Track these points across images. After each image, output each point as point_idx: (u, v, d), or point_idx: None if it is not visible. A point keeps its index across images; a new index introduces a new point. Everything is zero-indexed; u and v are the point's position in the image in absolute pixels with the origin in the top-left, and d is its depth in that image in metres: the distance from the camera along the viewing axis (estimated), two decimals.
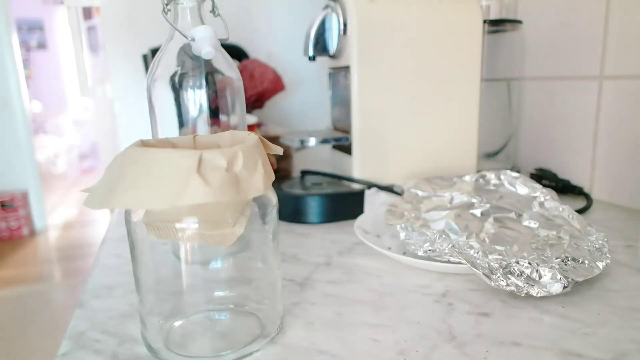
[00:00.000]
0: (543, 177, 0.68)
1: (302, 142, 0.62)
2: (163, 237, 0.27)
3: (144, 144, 0.30)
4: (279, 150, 0.32)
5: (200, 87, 0.43)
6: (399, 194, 0.57)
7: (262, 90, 0.78)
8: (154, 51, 0.77)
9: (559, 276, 0.36)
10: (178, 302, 0.34)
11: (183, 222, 0.27)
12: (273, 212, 0.32)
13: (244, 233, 0.28)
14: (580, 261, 0.39)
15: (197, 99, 0.43)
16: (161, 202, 0.23)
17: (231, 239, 0.27)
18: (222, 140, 0.32)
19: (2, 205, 2.80)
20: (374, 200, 0.57)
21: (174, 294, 0.34)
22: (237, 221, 0.28)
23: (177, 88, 0.42)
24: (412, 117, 0.62)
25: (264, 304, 0.34)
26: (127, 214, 0.30)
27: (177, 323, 0.33)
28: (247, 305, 0.35)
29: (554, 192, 0.51)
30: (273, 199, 0.32)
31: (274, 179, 0.29)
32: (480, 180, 0.56)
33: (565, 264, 0.38)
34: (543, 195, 0.50)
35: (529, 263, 0.37)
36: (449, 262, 0.40)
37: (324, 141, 0.63)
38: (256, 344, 0.31)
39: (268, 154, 0.31)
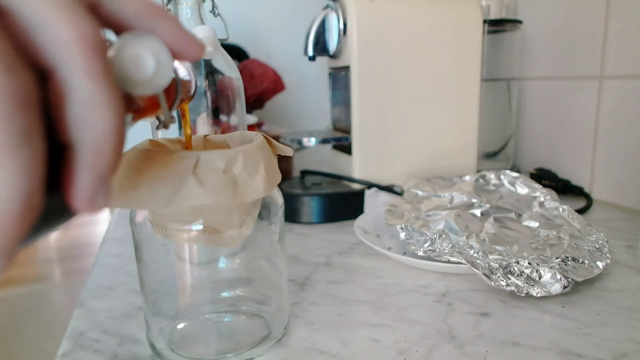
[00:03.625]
0: (543, 177, 0.68)
1: (302, 142, 0.62)
2: (169, 237, 0.27)
3: (152, 143, 0.30)
4: (289, 151, 0.31)
5: (200, 87, 0.43)
6: (399, 194, 0.57)
7: (262, 90, 0.78)
8: None
9: (559, 276, 0.36)
10: (183, 303, 0.34)
11: (188, 222, 0.27)
12: (279, 213, 0.32)
13: (249, 233, 0.28)
14: (580, 261, 0.39)
15: (197, 99, 0.43)
16: (157, 203, 0.23)
17: (238, 240, 0.27)
18: (232, 141, 0.32)
19: None
20: (374, 200, 0.57)
21: (178, 295, 0.34)
22: (243, 222, 0.28)
23: None
24: (412, 117, 0.62)
25: (270, 305, 0.34)
26: (132, 215, 0.30)
27: (182, 324, 0.33)
28: (252, 306, 0.35)
29: (554, 192, 0.51)
30: (279, 199, 0.32)
31: (279, 180, 0.29)
32: (480, 180, 0.56)
33: (565, 264, 0.38)
34: (543, 195, 0.50)
35: (529, 263, 0.37)
36: (449, 262, 0.40)
37: (324, 141, 0.63)
38: (262, 346, 0.31)
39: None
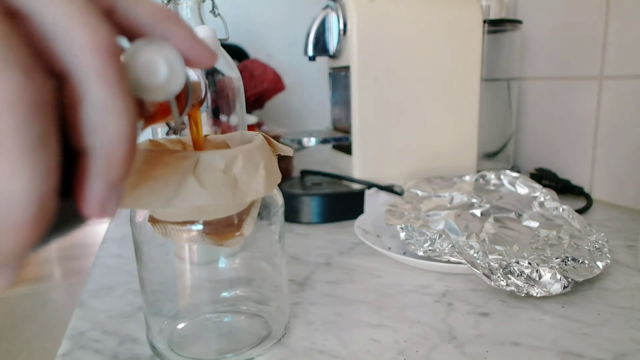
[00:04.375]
0: (543, 177, 0.68)
1: (302, 142, 0.62)
2: (169, 237, 0.27)
3: (152, 143, 0.30)
4: (289, 152, 0.30)
5: None
6: (399, 194, 0.57)
7: (262, 90, 0.78)
8: None
9: (559, 276, 0.36)
10: (183, 303, 0.34)
11: (188, 222, 0.27)
12: (279, 213, 0.32)
13: (249, 233, 0.28)
14: (580, 261, 0.39)
15: None
16: (157, 203, 0.23)
17: (238, 240, 0.27)
18: (232, 141, 0.32)
19: None
20: (374, 200, 0.57)
21: (178, 295, 0.34)
22: (243, 222, 0.28)
23: None
24: (412, 117, 0.62)
25: (270, 305, 0.34)
26: (132, 215, 0.30)
27: (182, 324, 0.33)
28: (252, 306, 0.35)
29: (554, 192, 0.51)
30: (279, 199, 0.32)
31: (279, 180, 0.29)
32: (480, 180, 0.56)
33: (565, 264, 0.38)
34: (543, 195, 0.50)
35: (529, 263, 0.37)
36: (449, 262, 0.40)
37: (324, 141, 0.63)
38: (262, 346, 0.31)
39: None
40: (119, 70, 0.16)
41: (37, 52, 0.14)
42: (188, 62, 0.20)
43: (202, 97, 0.28)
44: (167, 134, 0.25)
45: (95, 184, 0.16)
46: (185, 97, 0.25)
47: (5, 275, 0.14)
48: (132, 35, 0.19)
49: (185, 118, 0.27)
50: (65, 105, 0.15)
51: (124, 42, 0.18)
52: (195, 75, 0.27)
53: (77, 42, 0.15)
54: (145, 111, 0.21)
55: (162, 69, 0.18)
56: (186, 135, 0.32)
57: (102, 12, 0.16)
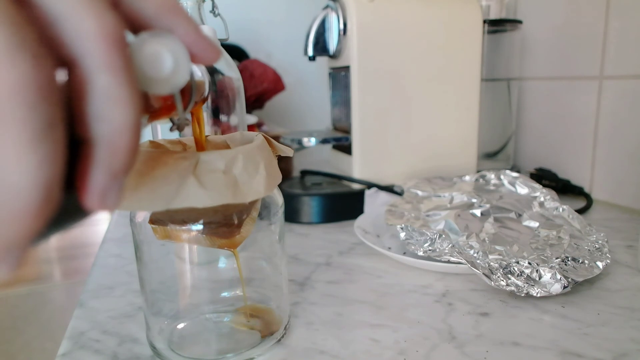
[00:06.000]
0: (543, 177, 0.68)
1: (302, 142, 0.62)
2: (168, 238, 0.27)
3: (151, 144, 0.30)
4: (289, 152, 0.30)
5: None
6: (399, 194, 0.57)
7: (262, 90, 0.78)
8: None
9: (559, 276, 0.36)
10: (183, 303, 0.34)
11: (188, 223, 0.27)
12: (279, 213, 0.32)
13: (249, 234, 0.28)
14: (580, 261, 0.39)
15: None
16: (157, 204, 0.23)
17: (238, 241, 0.27)
18: (232, 141, 0.32)
19: None
20: (374, 200, 0.57)
21: (178, 295, 0.34)
22: (243, 223, 0.28)
23: None
24: (412, 117, 0.62)
25: (270, 305, 0.34)
26: (132, 215, 0.30)
27: (182, 324, 0.33)
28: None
29: (554, 192, 0.51)
30: (279, 199, 0.32)
31: (280, 180, 0.29)
32: (480, 180, 0.56)
33: (565, 264, 0.38)
34: (543, 195, 0.50)
35: (529, 263, 0.37)
36: (449, 262, 0.40)
37: (324, 141, 0.63)
38: (262, 346, 0.31)
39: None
40: (125, 59, 0.16)
41: (45, 39, 0.14)
42: (193, 57, 0.20)
43: (206, 94, 0.28)
44: (171, 130, 0.25)
45: (97, 174, 0.16)
46: (190, 92, 0.25)
47: (7, 264, 0.14)
48: (137, 28, 0.18)
49: (189, 115, 0.27)
50: (71, 94, 0.15)
51: (129, 35, 0.18)
52: (199, 72, 0.27)
53: (84, 30, 0.15)
54: (149, 106, 0.21)
55: (168, 62, 0.18)
56: (187, 135, 0.32)
57: (110, 2, 0.16)
